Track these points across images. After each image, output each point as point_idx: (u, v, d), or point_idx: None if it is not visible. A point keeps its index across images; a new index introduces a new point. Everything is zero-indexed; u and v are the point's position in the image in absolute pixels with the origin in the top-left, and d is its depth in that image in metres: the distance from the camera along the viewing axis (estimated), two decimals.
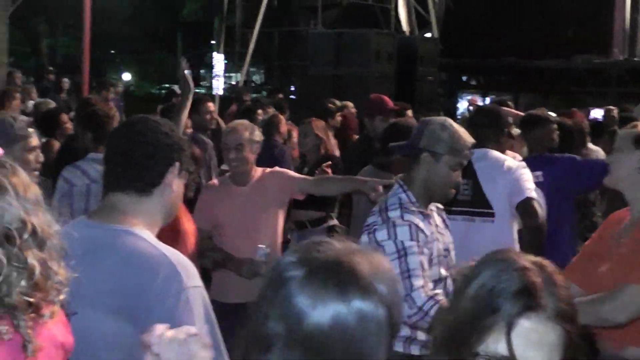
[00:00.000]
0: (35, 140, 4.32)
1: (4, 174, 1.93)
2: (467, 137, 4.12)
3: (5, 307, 1.86)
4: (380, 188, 4.74)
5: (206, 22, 34.95)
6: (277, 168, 5.60)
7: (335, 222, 7.05)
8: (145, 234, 2.64)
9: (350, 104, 10.88)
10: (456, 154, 4.04)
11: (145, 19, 36.63)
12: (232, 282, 5.26)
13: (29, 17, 30.07)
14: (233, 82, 27.81)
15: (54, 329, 2.06)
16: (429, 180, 4.03)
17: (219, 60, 21.30)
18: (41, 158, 4.36)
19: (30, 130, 4.34)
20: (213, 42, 35.38)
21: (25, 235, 1.89)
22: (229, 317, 4.97)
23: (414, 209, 4.00)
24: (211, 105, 8.30)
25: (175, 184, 2.75)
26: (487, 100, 21.54)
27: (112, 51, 40.34)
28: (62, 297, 1.99)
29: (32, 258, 1.89)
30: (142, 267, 2.52)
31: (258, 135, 5.45)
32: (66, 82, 14.46)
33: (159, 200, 2.73)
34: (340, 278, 1.62)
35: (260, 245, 5.10)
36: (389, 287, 1.66)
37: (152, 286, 2.47)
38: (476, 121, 5.65)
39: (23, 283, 1.87)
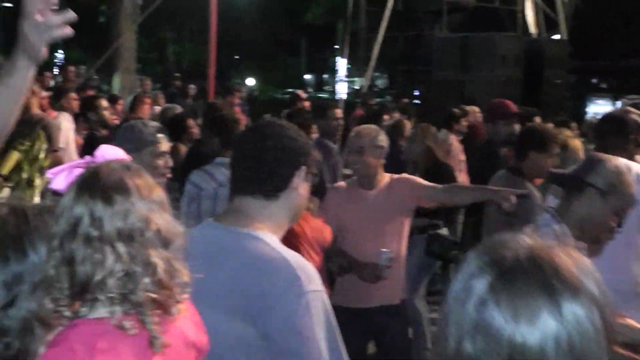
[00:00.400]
0: (164, 146, 4.35)
1: (129, 176, 1.97)
2: (633, 185, 3.90)
3: (131, 304, 1.89)
4: (514, 198, 4.55)
5: (330, 26, 35.17)
6: (405, 175, 5.48)
7: (444, 231, 6.90)
8: (268, 237, 2.64)
9: (476, 109, 10.70)
10: (622, 199, 3.82)
11: (270, 24, 37.12)
12: (355, 286, 5.20)
13: (155, 26, 30.86)
14: (356, 87, 27.84)
15: (184, 327, 2.07)
16: (587, 217, 3.79)
17: (342, 65, 21.33)
18: (170, 163, 4.39)
19: (160, 135, 4.37)
20: (336, 46, 35.57)
21: (149, 234, 1.93)
22: (352, 323, 4.92)
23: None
24: (338, 112, 8.27)
25: (301, 187, 2.74)
26: (619, 104, 20.82)
27: (237, 56, 41.06)
28: (185, 296, 2.01)
29: (156, 256, 1.92)
30: (263, 270, 2.52)
31: (382, 140, 5.34)
32: (192, 88, 14.72)
33: (285, 204, 2.73)
34: (543, 278, 1.39)
35: (383, 249, 5.01)
36: (597, 285, 1.43)
37: (272, 289, 2.47)
38: (602, 128, 5.39)
39: (147, 280, 1.90)
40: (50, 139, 7.03)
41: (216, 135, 5.74)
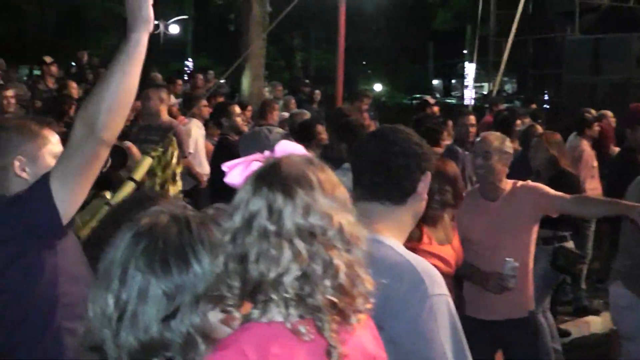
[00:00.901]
0: None
1: (312, 170, 1.86)
2: None
3: (307, 308, 1.78)
4: None
5: (458, 31, 34.83)
6: (529, 182, 5.31)
7: (570, 244, 6.68)
8: (392, 242, 2.65)
9: (609, 113, 10.38)
10: None
11: (397, 30, 37.07)
12: (481, 298, 5.10)
13: (283, 33, 31.28)
14: (484, 92, 27.46)
15: (364, 339, 1.97)
16: None
17: (470, 70, 21.07)
18: None
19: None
20: (465, 51, 35.18)
21: (331, 233, 1.80)
22: (479, 333, 4.81)
23: None
24: (471, 118, 8.16)
25: (425, 192, 2.78)
26: None
27: (364, 62, 41.17)
28: (369, 306, 1.88)
29: (338, 258, 1.79)
30: (388, 274, 2.40)
31: (509, 146, 5.22)
32: (318, 93, 14.84)
33: (410, 208, 2.76)
34: None
35: (507, 259, 4.87)
36: None
37: (397, 293, 2.46)
38: None
39: (327, 283, 1.78)
40: (180, 145, 7.22)
41: (344, 141, 5.74)
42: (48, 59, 14.70)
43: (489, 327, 5.14)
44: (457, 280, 4.94)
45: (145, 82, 13.43)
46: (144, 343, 1.73)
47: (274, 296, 1.77)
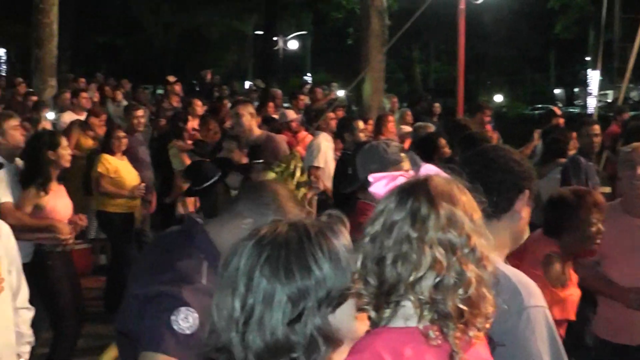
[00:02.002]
0: (407, 165, 4.33)
1: (457, 190, 2.03)
2: None
3: (438, 314, 1.90)
4: None
5: (580, 37, 34.01)
6: None
7: None
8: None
9: None
10: None
11: (517, 39, 36.50)
12: (625, 319, 4.75)
13: (402, 45, 31.23)
14: (609, 100, 26.68)
15: (481, 351, 2.07)
16: None
17: (594, 78, 20.50)
18: None
19: (403, 155, 4.37)
20: (588, 58, 34.30)
21: (466, 250, 1.93)
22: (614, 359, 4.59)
23: None
24: (596, 128, 7.92)
25: (524, 211, 2.80)
26: None
27: (484, 73, 40.71)
28: (487, 325, 1.99)
29: (470, 272, 1.92)
30: None
31: None
32: (438, 106, 14.69)
33: (507, 226, 2.78)
34: None
35: None
36: None
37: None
38: None
39: (459, 293, 1.90)
40: (276, 154, 7.32)
41: (464, 153, 5.65)
42: (172, 79, 15.09)
43: (628, 354, 4.78)
44: (587, 299, 4.73)
45: (268, 96, 13.65)
46: (270, 345, 1.83)
47: (410, 297, 1.91)
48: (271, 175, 5.34)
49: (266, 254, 1.88)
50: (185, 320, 2.70)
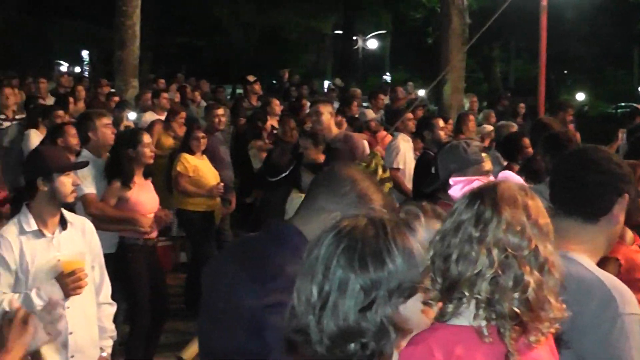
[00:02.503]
0: (487, 165, 4.29)
1: (522, 195, 2.12)
2: None
3: (494, 314, 1.99)
4: None
5: None
6: None
7: None
8: (582, 259, 2.64)
9: None
10: None
11: (599, 35, 35.75)
12: None
13: (482, 44, 30.88)
14: None
15: (544, 356, 2.09)
16: None
17: None
18: None
19: (484, 155, 4.33)
20: None
21: (526, 253, 2.02)
22: None
23: None
24: None
25: (620, 215, 2.75)
26: None
27: (565, 71, 40.01)
28: (552, 330, 2.05)
29: (529, 276, 1.99)
30: (575, 290, 2.43)
31: None
32: (522, 106, 14.44)
33: (604, 229, 2.73)
34: None
35: None
36: None
37: (586, 310, 2.45)
38: None
39: (515, 295, 1.98)
40: (354, 152, 7.35)
41: (548, 154, 5.56)
42: (251, 78, 15.20)
43: None
44: None
45: (350, 96, 13.63)
46: (343, 329, 1.94)
47: (467, 293, 2.02)
48: None
49: (343, 245, 1.98)
50: None
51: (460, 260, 2.03)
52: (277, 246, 2.85)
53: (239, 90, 21.77)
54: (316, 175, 3.08)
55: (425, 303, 2.05)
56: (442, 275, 2.06)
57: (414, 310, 2.03)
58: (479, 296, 2.00)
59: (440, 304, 2.08)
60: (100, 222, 5.92)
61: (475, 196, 2.12)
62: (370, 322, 1.94)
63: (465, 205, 2.11)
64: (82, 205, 6.28)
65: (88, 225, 4.71)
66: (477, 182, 2.20)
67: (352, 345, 1.94)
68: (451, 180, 2.37)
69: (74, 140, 6.98)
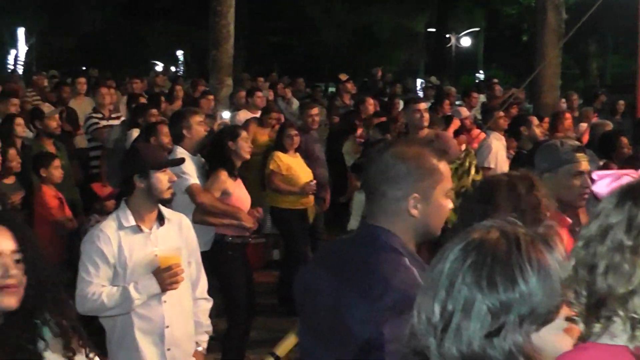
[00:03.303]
0: (583, 165, 4.14)
1: None
2: None
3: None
4: None
5: None
6: None
7: None
8: None
9: None
10: None
11: None
12: None
13: (577, 40, 30.22)
14: None
15: None
16: None
17: None
18: (587, 184, 4.15)
19: (579, 154, 4.17)
20: None
21: None
22: None
23: None
24: None
25: None
26: None
27: None
28: None
29: None
30: None
31: None
32: (622, 104, 14.05)
33: None
34: None
35: None
36: None
37: None
38: None
39: None
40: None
41: None
42: (343, 77, 15.21)
43: None
44: None
45: (443, 94, 13.51)
46: (466, 356, 1.73)
47: (620, 312, 1.75)
48: None
49: (471, 259, 1.78)
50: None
51: (610, 272, 1.76)
52: (377, 253, 2.74)
53: (331, 89, 21.84)
54: (367, 168, 2.91)
55: (569, 319, 1.81)
56: (588, 289, 1.80)
57: (549, 340, 1.79)
58: (635, 315, 1.74)
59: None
60: (205, 215, 6.02)
61: (625, 195, 1.84)
62: (497, 350, 1.72)
63: (613, 206, 1.83)
64: (189, 195, 6.33)
65: (185, 221, 4.78)
66: (626, 177, 1.95)
67: None
68: (595, 175, 2.02)
69: (166, 138, 7.11)
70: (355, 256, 2.79)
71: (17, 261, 2.67)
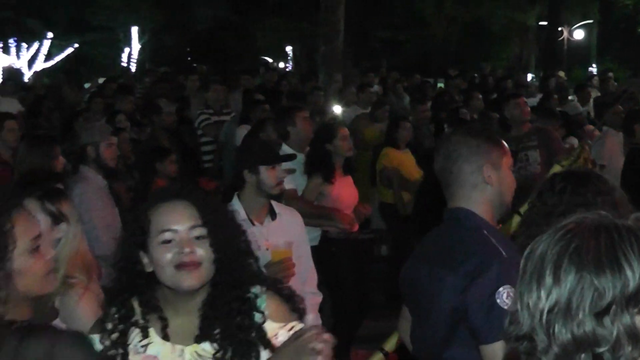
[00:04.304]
0: None
1: None
2: None
3: None
4: None
5: None
6: None
7: None
8: None
9: None
10: None
11: None
12: None
13: None
14: None
15: None
16: None
17: None
18: None
19: None
20: None
21: None
22: None
23: None
24: None
25: None
26: None
27: None
28: None
29: None
30: None
31: None
32: None
33: None
34: None
35: None
36: None
37: None
38: None
39: None
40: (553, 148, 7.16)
41: None
42: (452, 72, 15.10)
43: None
44: None
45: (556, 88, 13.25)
46: (577, 337, 1.76)
47: None
48: (557, 168, 5.18)
49: (575, 244, 1.80)
50: (508, 298, 2.75)
51: None
52: (459, 231, 3.05)
53: (440, 84, 21.70)
54: (437, 155, 3.22)
55: None
56: None
57: None
58: None
59: None
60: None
61: None
62: (607, 330, 1.75)
63: None
64: (284, 200, 6.34)
65: (296, 216, 4.84)
66: None
67: (583, 355, 1.76)
68: None
69: (273, 135, 7.15)
70: (442, 239, 3.14)
71: (198, 237, 2.62)
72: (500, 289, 2.80)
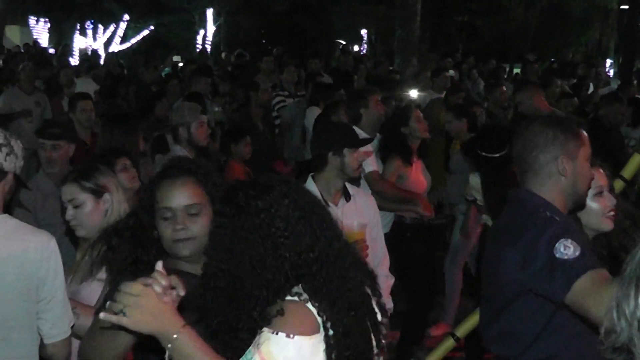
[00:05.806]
0: None
1: None
2: None
3: None
4: None
5: None
6: None
7: None
8: None
9: None
10: None
11: None
12: None
13: None
14: None
15: None
16: None
17: None
18: None
19: None
20: None
21: None
22: None
23: None
24: None
25: None
26: None
27: None
28: None
29: None
30: None
31: None
32: None
33: None
34: None
35: None
36: None
37: None
38: None
39: None
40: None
41: None
42: (531, 57, 14.89)
43: None
44: None
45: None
46: None
47: None
48: (637, 158, 5.06)
49: None
50: (567, 248, 2.82)
51: None
52: (522, 212, 3.11)
53: (516, 70, 21.39)
54: (516, 142, 3.25)
55: None
56: None
57: None
58: None
59: None
60: (383, 201, 6.02)
61: None
62: None
63: None
64: (367, 182, 6.24)
65: (370, 199, 4.85)
66: None
67: None
68: None
69: (345, 118, 7.13)
70: (505, 219, 3.24)
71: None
72: (556, 244, 2.86)
